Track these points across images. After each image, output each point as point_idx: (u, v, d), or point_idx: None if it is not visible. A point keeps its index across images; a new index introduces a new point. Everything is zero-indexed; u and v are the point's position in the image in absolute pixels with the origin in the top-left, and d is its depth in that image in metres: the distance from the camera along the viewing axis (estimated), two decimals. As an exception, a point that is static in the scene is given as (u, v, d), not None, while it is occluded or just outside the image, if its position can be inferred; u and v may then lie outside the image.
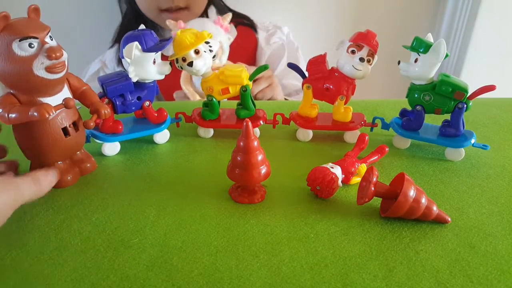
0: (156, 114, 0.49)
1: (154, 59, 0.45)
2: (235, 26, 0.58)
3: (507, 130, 0.55)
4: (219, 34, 0.51)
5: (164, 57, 0.47)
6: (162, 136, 0.51)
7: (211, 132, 0.52)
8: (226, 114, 0.53)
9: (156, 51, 0.43)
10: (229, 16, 0.55)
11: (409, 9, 1.25)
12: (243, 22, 0.93)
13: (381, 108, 0.61)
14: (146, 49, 0.43)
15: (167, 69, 0.46)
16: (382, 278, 0.29)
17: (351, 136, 0.51)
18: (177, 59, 0.46)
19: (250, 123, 0.35)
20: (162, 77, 0.47)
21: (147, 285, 0.29)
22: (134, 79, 0.45)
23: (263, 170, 0.37)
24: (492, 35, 1.18)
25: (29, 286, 0.29)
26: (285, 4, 1.15)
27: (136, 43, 0.42)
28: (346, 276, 0.29)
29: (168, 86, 0.73)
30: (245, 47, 0.92)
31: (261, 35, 0.95)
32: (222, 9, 0.94)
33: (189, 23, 0.53)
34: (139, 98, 0.47)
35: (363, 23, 1.24)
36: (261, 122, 0.51)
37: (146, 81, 0.47)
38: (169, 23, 0.53)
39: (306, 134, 0.51)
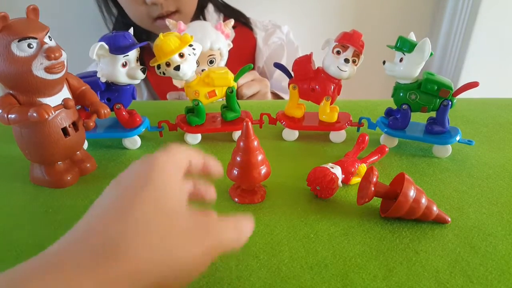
0: (127, 118, 0.48)
1: (126, 62, 0.44)
2: (233, 28, 0.57)
3: (507, 130, 0.55)
4: (219, 40, 0.51)
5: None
6: (131, 142, 0.49)
7: (198, 137, 0.51)
8: (212, 118, 0.52)
9: (120, 53, 0.43)
10: (231, 22, 0.54)
11: (409, 9, 1.25)
12: (239, 21, 0.92)
13: (372, 107, 0.61)
14: (111, 51, 0.43)
15: (137, 74, 0.45)
16: (382, 278, 0.29)
17: (336, 136, 0.50)
18: (158, 65, 0.45)
19: (250, 123, 0.35)
20: (135, 81, 0.46)
21: (146, 286, 0.29)
22: (102, 80, 0.45)
23: (263, 170, 0.37)
24: (492, 35, 1.18)
25: (28, 287, 0.29)
26: (284, 2, 1.15)
27: (102, 43, 0.42)
28: (346, 276, 0.29)
29: (164, 87, 0.72)
30: (243, 48, 0.91)
31: (260, 35, 0.94)
32: (219, 7, 0.93)
33: (190, 26, 0.52)
34: (108, 99, 0.47)
35: (363, 21, 1.24)
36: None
37: (119, 84, 0.46)
38: (169, 22, 0.52)
39: (292, 134, 0.51)
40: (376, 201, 0.38)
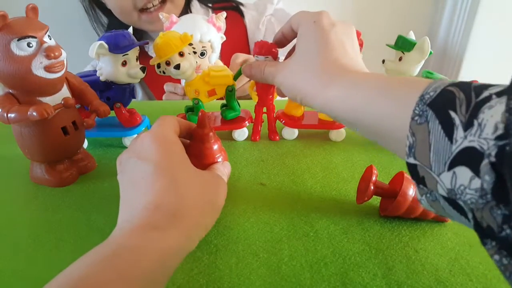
0: (127, 116, 0.48)
1: (125, 61, 0.44)
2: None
3: (506, 128, 0.55)
4: (209, 32, 0.50)
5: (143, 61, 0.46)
6: (131, 141, 0.49)
7: None
8: (211, 117, 0.52)
9: (120, 52, 0.43)
10: (223, 15, 0.54)
11: (409, 8, 1.25)
12: (229, 8, 0.89)
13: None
14: (111, 50, 0.43)
15: (137, 73, 0.45)
16: (382, 277, 0.29)
17: (336, 135, 0.50)
18: (158, 64, 0.45)
19: (205, 114, 0.35)
20: (135, 80, 0.46)
21: (147, 284, 0.29)
22: (102, 78, 0.45)
23: (219, 159, 0.37)
24: (491, 33, 1.18)
25: (25, 287, 0.29)
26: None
27: (102, 42, 0.42)
28: (345, 275, 0.30)
29: (159, 86, 0.72)
30: (234, 39, 0.89)
31: (251, 18, 0.91)
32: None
33: (181, 19, 0.52)
34: (108, 98, 0.47)
35: (362, 20, 1.24)
36: (247, 122, 0.51)
37: (119, 83, 0.46)
38: (162, 15, 0.52)
39: (291, 133, 0.51)
40: (376, 200, 0.38)
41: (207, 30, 0.50)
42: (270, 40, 0.42)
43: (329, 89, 0.30)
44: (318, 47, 0.33)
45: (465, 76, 1.24)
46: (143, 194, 0.28)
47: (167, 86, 0.71)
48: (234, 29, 0.89)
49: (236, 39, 0.90)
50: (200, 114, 0.35)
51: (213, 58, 0.54)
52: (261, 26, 0.91)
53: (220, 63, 0.63)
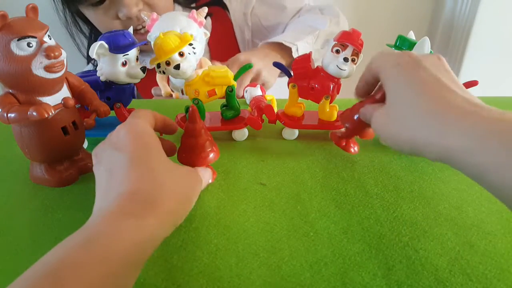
0: (127, 116, 0.48)
1: (125, 61, 0.44)
2: (209, 16, 0.56)
3: (506, 128, 0.55)
4: (190, 26, 0.50)
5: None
6: None
7: None
8: (211, 117, 0.52)
9: (120, 52, 0.43)
10: (204, 10, 0.54)
11: (409, 8, 1.25)
12: (213, 3, 0.89)
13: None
14: (111, 50, 0.43)
15: (137, 73, 0.45)
16: (382, 277, 0.29)
17: None
18: (158, 64, 0.45)
19: (195, 109, 0.36)
20: (135, 80, 0.46)
21: (147, 284, 0.29)
22: (102, 78, 0.45)
23: (211, 154, 0.37)
24: (492, 33, 1.18)
25: None
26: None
27: (102, 42, 0.42)
28: (345, 275, 0.30)
29: (147, 85, 0.72)
30: (221, 34, 0.88)
31: (234, 12, 0.90)
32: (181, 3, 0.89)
33: (161, 16, 0.52)
34: (108, 99, 0.47)
35: (362, 20, 1.24)
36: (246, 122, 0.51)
37: (119, 83, 0.46)
38: (144, 14, 0.53)
39: (291, 133, 0.51)
40: (376, 200, 0.38)
41: (187, 24, 0.50)
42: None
43: (446, 137, 0.26)
44: (411, 92, 0.30)
45: (465, 76, 1.24)
46: (118, 183, 0.28)
47: (155, 90, 0.71)
48: (219, 24, 0.89)
49: (223, 35, 0.90)
50: (190, 109, 0.35)
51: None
52: (248, 21, 0.91)
53: (208, 62, 0.63)
